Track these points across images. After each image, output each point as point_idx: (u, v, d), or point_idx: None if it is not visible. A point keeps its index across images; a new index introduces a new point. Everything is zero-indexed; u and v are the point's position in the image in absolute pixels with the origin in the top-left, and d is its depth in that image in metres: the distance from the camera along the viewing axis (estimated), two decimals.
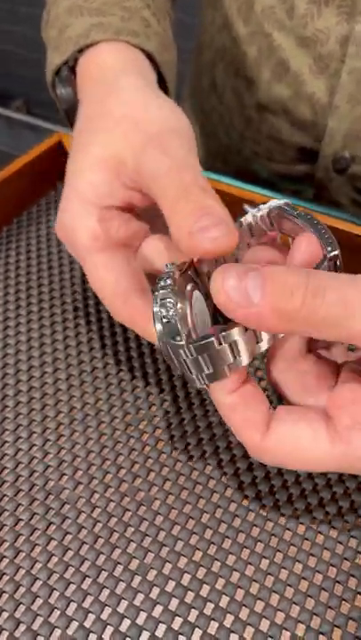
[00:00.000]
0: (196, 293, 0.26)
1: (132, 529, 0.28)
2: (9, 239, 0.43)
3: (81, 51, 0.34)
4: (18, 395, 0.33)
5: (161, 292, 0.23)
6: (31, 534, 0.28)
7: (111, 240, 0.29)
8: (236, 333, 0.21)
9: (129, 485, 0.29)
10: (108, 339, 0.36)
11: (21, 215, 0.46)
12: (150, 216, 0.31)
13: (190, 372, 0.23)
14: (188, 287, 0.25)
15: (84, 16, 0.36)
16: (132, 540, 0.27)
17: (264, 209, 0.27)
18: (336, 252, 0.23)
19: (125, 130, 0.28)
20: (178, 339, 0.22)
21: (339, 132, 0.46)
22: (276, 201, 0.26)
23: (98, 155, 0.28)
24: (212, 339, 0.21)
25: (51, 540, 0.27)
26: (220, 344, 0.21)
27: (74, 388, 0.34)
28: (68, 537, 0.27)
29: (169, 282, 0.24)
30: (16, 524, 0.28)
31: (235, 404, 0.23)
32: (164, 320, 0.23)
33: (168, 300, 0.23)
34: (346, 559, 0.27)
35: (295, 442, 0.23)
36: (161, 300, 0.23)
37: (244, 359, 0.22)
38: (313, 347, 0.27)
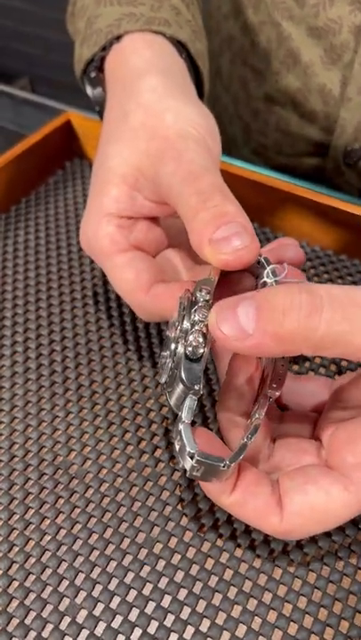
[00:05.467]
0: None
1: (139, 503, 0.28)
2: (17, 219, 0.44)
3: (105, 48, 0.34)
4: (27, 372, 0.34)
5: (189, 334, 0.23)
6: (40, 507, 0.28)
7: (130, 243, 0.29)
8: (244, 449, 0.22)
9: (136, 461, 0.30)
10: (115, 319, 0.37)
11: (30, 195, 0.46)
12: (168, 226, 0.31)
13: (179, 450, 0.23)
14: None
15: (113, 5, 0.35)
16: (138, 515, 0.28)
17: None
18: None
19: (143, 139, 0.28)
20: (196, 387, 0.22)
21: (351, 124, 0.46)
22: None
23: (118, 169, 0.29)
24: (221, 464, 0.22)
25: (60, 513, 0.28)
26: (225, 466, 0.22)
27: (82, 366, 0.34)
28: (77, 510, 0.28)
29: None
30: (25, 498, 0.29)
31: (241, 500, 0.23)
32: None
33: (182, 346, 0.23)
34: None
35: (312, 509, 0.23)
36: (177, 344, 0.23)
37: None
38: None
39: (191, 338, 0.22)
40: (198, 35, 0.37)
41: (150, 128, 0.28)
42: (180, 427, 0.22)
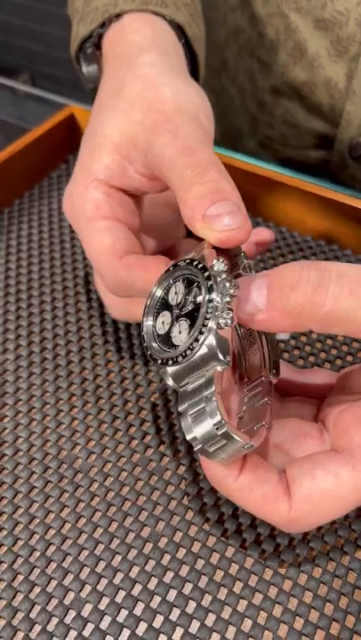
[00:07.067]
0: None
1: (144, 497, 0.28)
2: (21, 212, 0.44)
3: (103, 25, 0.33)
4: (31, 366, 0.34)
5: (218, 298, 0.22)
6: (45, 501, 0.28)
7: (114, 214, 0.29)
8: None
9: (141, 455, 0.30)
10: None
11: (33, 189, 0.46)
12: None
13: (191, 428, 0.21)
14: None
15: None
16: (143, 509, 0.28)
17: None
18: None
19: (139, 110, 0.28)
20: (227, 358, 0.21)
21: (356, 118, 0.45)
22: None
23: (111, 137, 0.28)
24: (246, 444, 0.21)
25: (64, 506, 0.28)
26: (248, 447, 0.21)
27: (85, 360, 0.34)
28: (81, 504, 0.28)
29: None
30: (30, 491, 0.28)
31: (248, 486, 0.22)
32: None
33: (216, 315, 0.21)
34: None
35: (321, 493, 0.22)
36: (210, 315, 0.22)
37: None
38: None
39: (221, 309, 0.21)
40: (196, 18, 0.37)
41: (147, 100, 0.28)
42: (214, 397, 0.21)
